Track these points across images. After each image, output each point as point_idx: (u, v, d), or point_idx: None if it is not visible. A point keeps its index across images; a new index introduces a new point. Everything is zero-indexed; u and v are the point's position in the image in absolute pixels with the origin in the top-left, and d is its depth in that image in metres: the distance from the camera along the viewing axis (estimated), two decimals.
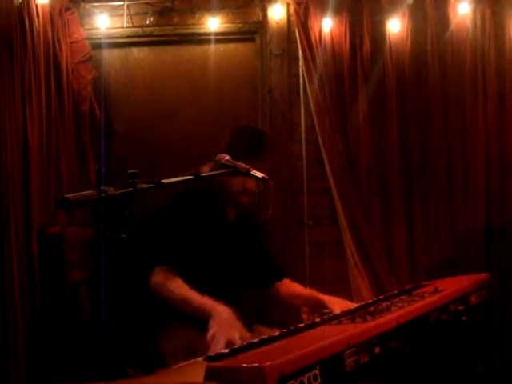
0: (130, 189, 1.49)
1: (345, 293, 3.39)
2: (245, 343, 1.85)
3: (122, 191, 1.47)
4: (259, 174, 2.34)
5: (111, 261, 1.68)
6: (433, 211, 3.81)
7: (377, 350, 1.75)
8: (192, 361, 1.74)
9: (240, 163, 2.29)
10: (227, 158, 2.30)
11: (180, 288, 2.37)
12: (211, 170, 2.38)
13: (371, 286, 3.74)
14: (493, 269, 3.68)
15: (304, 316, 2.97)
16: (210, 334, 2.09)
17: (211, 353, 1.80)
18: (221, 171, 2.27)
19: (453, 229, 3.80)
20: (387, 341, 1.83)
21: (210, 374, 1.27)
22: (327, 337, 1.62)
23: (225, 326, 2.11)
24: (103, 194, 1.40)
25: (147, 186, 1.58)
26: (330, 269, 3.85)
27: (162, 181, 1.69)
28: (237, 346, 1.82)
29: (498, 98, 3.78)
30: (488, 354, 3.52)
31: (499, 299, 3.71)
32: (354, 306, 2.50)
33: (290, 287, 2.92)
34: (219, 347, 1.95)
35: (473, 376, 3.32)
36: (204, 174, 2.14)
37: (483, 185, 3.75)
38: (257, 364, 1.26)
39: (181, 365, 1.76)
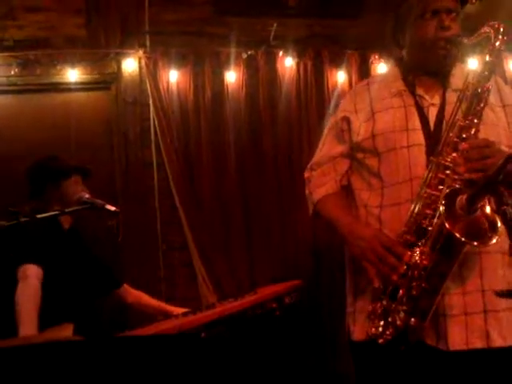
0: None
1: None
2: None
3: None
4: (111, 208, 2.93)
5: None
6: (268, 234, 4.45)
7: (203, 334, 2.35)
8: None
9: (96, 200, 2.89)
10: (87, 196, 2.99)
11: None
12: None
13: None
14: (323, 277, 4.40)
15: None
16: None
17: None
18: (81, 207, 2.88)
19: (286, 248, 4.46)
20: (212, 328, 2.43)
21: None
22: (163, 325, 2.21)
23: None
24: None
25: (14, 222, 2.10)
26: (182, 288, 4.38)
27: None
28: None
29: (319, 135, 4.51)
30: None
31: (328, 303, 4.40)
32: None
33: (138, 297, 3.36)
34: None
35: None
36: (67, 210, 2.73)
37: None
38: None
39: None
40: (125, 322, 3.74)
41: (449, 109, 2.08)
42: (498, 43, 1.95)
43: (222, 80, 4.54)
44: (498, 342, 1.99)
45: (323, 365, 4.24)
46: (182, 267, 4.42)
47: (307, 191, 2.36)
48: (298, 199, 4.40)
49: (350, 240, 2.09)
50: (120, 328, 3.20)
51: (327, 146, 2.34)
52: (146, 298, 3.39)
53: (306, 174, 2.38)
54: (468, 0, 2.20)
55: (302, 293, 3.28)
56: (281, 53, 4.62)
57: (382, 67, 4.69)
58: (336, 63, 4.69)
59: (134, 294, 3.38)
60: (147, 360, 1.68)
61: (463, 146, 1.90)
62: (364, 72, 4.71)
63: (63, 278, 2.91)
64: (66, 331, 1.75)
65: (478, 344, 1.98)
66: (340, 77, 4.70)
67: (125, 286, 3.38)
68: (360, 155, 2.20)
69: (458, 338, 1.96)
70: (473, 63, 4.60)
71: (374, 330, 1.97)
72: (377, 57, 4.72)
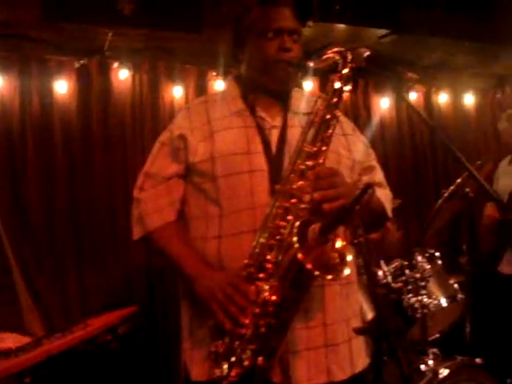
0: None
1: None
2: None
3: None
4: None
5: None
6: (100, 257, 4.21)
7: (27, 380, 2.08)
8: None
9: None
10: None
11: None
12: None
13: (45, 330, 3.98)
14: (157, 300, 4.22)
15: None
16: None
17: None
18: None
19: (119, 270, 4.23)
20: (38, 371, 2.16)
21: None
22: None
23: None
24: None
25: None
26: (3, 315, 3.98)
27: None
28: None
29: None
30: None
31: (162, 326, 4.22)
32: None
33: None
34: None
35: None
36: None
37: None
38: None
39: None
40: None
41: (290, 132, 2.02)
42: (346, 70, 1.90)
43: (51, 90, 4.24)
44: (339, 375, 1.95)
45: None
46: (4, 292, 4.03)
47: (137, 213, 2.12)
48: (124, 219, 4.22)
49: (196, 281, 1.94)
50: None
51: (160, 164, 2.12)
52: None
53: (136, 194, 2.15)
54: (305, 23, 2.14)
55: (138, 319, 3.10)
56: (116, 64, 4.41)
57: (219, 84, 4.63)
58: (173, 78, 4.58)
59: None
60: None
61: (311, 174, 1.82)
62: (201, 88, 4.65)
63: None
64: None
65: (321, 379, 1.92)
66: (176, 92, 4.58)
67: None
68: (196, 179, 2.04)
69: (301, 375, 1.89)
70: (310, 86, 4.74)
71: (218, 371, 1.83)
72: (215, 74, 4.66)
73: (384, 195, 2.14)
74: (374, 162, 2.21)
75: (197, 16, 4.22)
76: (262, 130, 2.03)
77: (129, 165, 4.33)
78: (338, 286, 2.00)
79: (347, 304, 2.04)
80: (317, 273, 1.69)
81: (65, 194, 4.17)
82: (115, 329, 2.83)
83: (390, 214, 2.14)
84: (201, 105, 2.15)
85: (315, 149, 1.87)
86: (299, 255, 1.69)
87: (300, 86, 2.15)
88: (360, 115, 5.16)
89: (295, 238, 1.71)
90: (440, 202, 3.41)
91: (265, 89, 2.07)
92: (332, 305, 1.97)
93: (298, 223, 1.76)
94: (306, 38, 2.20)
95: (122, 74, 4.41)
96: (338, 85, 1.90)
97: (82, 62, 4.32)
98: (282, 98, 2.09)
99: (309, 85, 4.72)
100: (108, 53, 4.38)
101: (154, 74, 4.53)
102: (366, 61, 1.85)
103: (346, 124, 2.19)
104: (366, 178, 2.11)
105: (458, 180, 3.33)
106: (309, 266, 1.68)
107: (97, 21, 4.28)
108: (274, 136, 2.03)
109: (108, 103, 4.36)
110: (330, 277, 1.72)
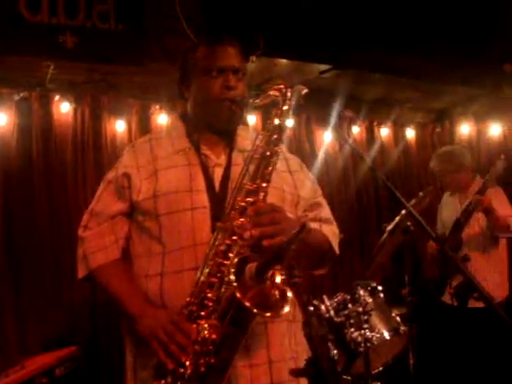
0: None
1: None
2: None
3: None
4: None
5: None
6: (43, 292, 4.07)
7: None
8: None
9: None
10: None
11: None
12: None
13: None
14: (101, 339, 4.11)
15: None
16: None
17: None
18: None
19: (62, 304, 4.11)
20: None
21: None
22: None
23: None
24: None
25: None
26: None
27: None
28: None
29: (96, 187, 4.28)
30: None
31: (106, 367, 4.10)
32: None
33: None
34: None
35: None
36: None
37: None
38: None
39: None
40: None
41: (235, 170, 2.02)
42: (286, 107, 1.92)
43: None
44: None
45: None
46: None
47: (81, 251, 2.10)
48: (75, 257, 4.10)
49: (138, 319, 1.91)
50: None
51: (104, 202, 2.12)
52: None
53: (81, 233, 2.13)
54: (248, 59, 2.17)
55: (79, 360, 2.99)
56: (57, 97, 4.34)
57: (163, 118, 4.62)
58: (115, 111, 4.54)
59: None
60: None
61: (251, 210, 1.82)
62: (144, 122, 4.62)
63: None
64: None
65: None
66: (119, 126, 4.54)
67: None
68: (140, 217, 2.03)
69: None
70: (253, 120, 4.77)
71: None
72: (158, 107, 4.64)
73: (331, 232, 2.15)
74: (321, 199, 2.22)
75: (140, 49, 4.20)
76: (205, 168, 2.04)
77: (70, 199, 4.24)
78: (286, 323, 2.00)
79: (295, 342, 2.03)
80: (255, 310, 1.67)
81: (3, 229, 4.04)
82: (52, 370, 2.73)
83: (336, 250, 2.15)
84: (145, 143, 2.16)
85: (255, 185, 1.88)
86: (237, 293, 1.67)
87: (245, 123, 2.16)
88: (303, 148, 5.20)
89: (233, 277, 1.70)
90: (385, 236, 3.45)
91: (210, 127, 2.09)
92: (278, 342, 1.96)
93: (236, 260, 1.75)
94: (249, 72, 2.22)
95: (64, 107, 4.35)
96: (277, 121, 1.93)
97: (22, 94, 4.22)
98: (226, 136, 2.11)
99: (252, 119, 4.75)
100: (49, 85, 4.30)
101: (96, 107, 4.47)
102: (305, 98, 1.88)
103: (293, 161, 2.21)
104: (311, 215, 2.12)
105: (402, 213, 3.37)
106: (247, 304, 1.67)
107: (38, 53, 4.20)
108: (218, 174, 2.04)
109: (49, 137, 4.28)
110: (268, 314, 1.71)
